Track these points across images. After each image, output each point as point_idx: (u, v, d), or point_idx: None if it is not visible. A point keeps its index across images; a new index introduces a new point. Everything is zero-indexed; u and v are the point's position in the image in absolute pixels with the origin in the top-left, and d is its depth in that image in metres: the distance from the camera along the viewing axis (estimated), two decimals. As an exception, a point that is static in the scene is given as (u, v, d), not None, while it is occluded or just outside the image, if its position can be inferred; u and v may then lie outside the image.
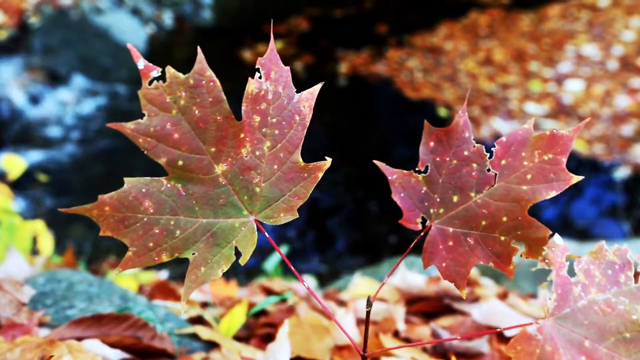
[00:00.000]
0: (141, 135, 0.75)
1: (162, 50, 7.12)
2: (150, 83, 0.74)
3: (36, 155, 5.35)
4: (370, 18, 7.78)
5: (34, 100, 6.04)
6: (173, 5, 7.84)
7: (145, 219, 0.77)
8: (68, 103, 6.05)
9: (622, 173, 5.13)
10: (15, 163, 2.78)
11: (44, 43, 6.70)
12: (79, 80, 6.34)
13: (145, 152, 0.75)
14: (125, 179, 0.76)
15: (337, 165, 5.00)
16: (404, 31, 7.39)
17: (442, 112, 5.94)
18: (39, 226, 2.40)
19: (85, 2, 7.13)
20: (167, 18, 7.70)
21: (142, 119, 0.75)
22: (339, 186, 5.10)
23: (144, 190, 0.77)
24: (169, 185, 0.78)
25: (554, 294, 0.79)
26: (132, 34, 6.99)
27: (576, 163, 5.13)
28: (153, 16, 7.61)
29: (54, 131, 5.73)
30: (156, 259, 0.77)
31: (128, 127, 0.74)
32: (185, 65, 0.76)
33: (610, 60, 6.64)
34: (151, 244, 0.77)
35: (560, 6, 7.69)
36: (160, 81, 0.74)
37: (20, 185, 4.39)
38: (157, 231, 0.77)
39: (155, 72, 0.74)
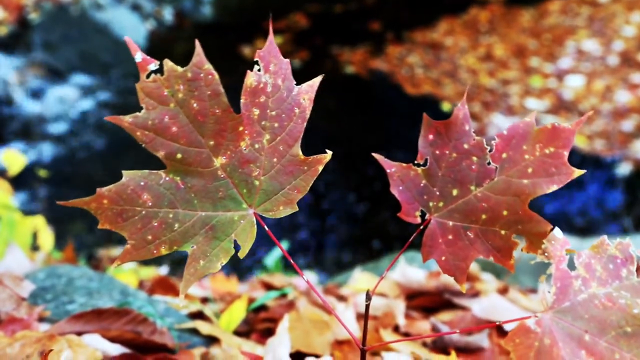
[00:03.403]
0: (139, 129, 0.75)
1: (162, 46, 7.11)
2: (148, 76, 0.74)
3: (36, 151, 5.35)
4: (371, 14, 7.77)
5: (34, 96, 6.04)
6: (173, 1, 7.83)
7: (143, 212, 0.77)
8: (68, 99, 6.04)
9: (622, 169, 5.12)
10: (15, 159, 2.78)
11: (44, 39, 6.69)
12: (79, 76, 6.33)
13: (143, 145, 0.75)
14: (124, 172, 0.76)
15: (338, 159, 4.99)
16: (404, 27, 7.38)
17: (446, 106, 5.93)
18: (39, 222, 2.40)
19: (85, -2, 7.11)
20: (167, 14, 7.68)
21: (140, 112, 0.75)
22: (341, 181, 5.10)
23: (142, 183, 0.77)
24: (167, 179, 0.78)
25: (553, 288, 0.79)
26: (132, 29, 6.98)
27: (577, 159, 5.13)
28: (153, 12, 7.59)
29: (54, 127, 5.72)
30: (155, 252, 0.77)
31: (126, 120, 0.74)
32: (185, 61, 0.76)
33: (610, 56, 6.63)
34: (150, 237, 0.77)
35: (560, 2, 7.68)
36: (158, 74, 0.74)
37: (21, 181, 4.39)
38: (155, 224, 0.77)
39: (153, 65, 0.74)
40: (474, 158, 0.82)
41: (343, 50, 6.96)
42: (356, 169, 5.21)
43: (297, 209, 0.80)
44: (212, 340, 1.35)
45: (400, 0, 8.26)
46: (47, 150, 5.42)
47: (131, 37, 0.74)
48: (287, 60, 0.78)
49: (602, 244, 0.82)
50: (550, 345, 0.77)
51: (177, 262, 3.55)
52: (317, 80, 0.80)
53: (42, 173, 4.70)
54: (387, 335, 1.41)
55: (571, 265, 0.81)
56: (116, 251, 3.78)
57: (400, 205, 0.85)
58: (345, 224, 4.85)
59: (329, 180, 5.01)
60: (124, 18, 7.12)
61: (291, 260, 0.79)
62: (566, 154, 0.78)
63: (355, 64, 6.75)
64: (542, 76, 6.40)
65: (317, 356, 1.31)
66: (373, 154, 0.85)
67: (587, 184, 5.04)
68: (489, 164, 0.81)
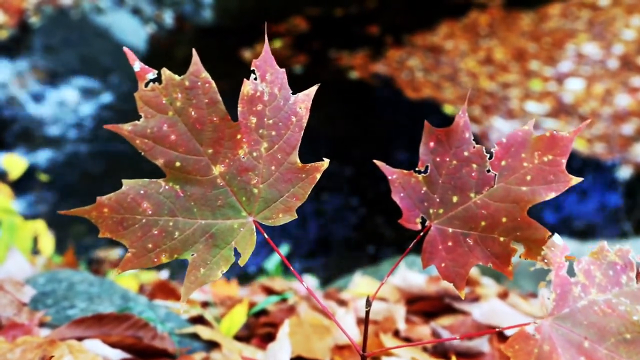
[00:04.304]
0: (138, 137, 0.75)
1: (163, 49, 7.12)
2: (146, 85, 0.75)
3: (37, 155, 5.35)
4: (371, 17, 7.78)
5: (35, 100, 6.05)
6: (173, 4, 7.85)
7: (143, 221, 0.77)
8: (69, 103, 6.05)
9: (622, 172, 5.13)
10: (16, 163, 2.78)
11: (45, 43, 6.71)
12: (79, 80, 6.34)
13: (142, 153, 0.76)
14: (124, 181, 0.77)
15: (339, 164, 5.00)
16: (405, 30, 7.39)
17: (448, 109, 5.93)
18: (39, 226, 2.40)
19: (86, 2, 7.13)
20: (168, 17, 7.70)
21: (139, 120, 0.75)
22: (341, 186, 5.10)
23: (142, 191, 0.77)
24: (167, 187, 0.78)
25: (552, 294, 0.79)
26: (133, 33, 6.99)
27: (577, 162, 5.13)
28: (153, 16, 7.61)
29: (54, 131, 5.73)
30: (155, 260, 0.78)
31: (125, 128, 0.75)
32: (185, 65, 0.77)
33: (610, 59, 6.64)
34: (150, 245, 0.78)
35: (560, 5, 7.69)
36: (157, 83, 0.75)
37: (21, 185, 4.39)
38: (155, 232, 0.78)
39: (151, 74, 0.75)
40: (474, 165, 0.82)
41: (343, 55, 6.97)
42: (356, 173, 5.22)
43: (296, 217, 0.80)
44: (212, 345, 1.36)
45: (401, 3, 8.27)
46: (47, 154, 5.42)
47: (131, 41, 0.74)
48: (283, 69, 0.79)
49: (601, 250, 0.82)
50: (550, 351, 0.77)
51: (179, 265, 3.55)
52: (313, 90, 0.80)
53: (43, 177, 4.70)
54: (387, 340, 1.41)
55: (571, 271, 0.81)
56: (114, 253, 3.78)
57: (401, 212, 0.85)
58: (346, 227, 4.85)
59: (328, 184, 5.01)
60: (124, 22, 7.13)
61: (291, 268, 0.79)
62: (564, 161, 0.79)
63: (357, 68, 6.76)
64: (542, 80, 6.41)
65: (317, 361, 1.31)
66: (374, 161, 0.86)
67: (587, 187, 5.04)
68: (488, 171, 0.82)
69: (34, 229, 2.36)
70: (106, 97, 6.19)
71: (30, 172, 4.70)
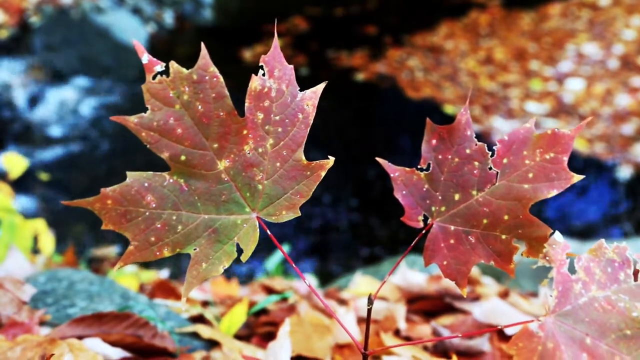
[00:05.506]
0: (144, 129, 0.75)
1: (163, 49, 7.12)
2: (154, 78, 0.74)
3: (37, 154, 5.35)
4: (371, 17, 7.78)
5: (35, 99, 6.05)
6: (174, 4, 7.84)
7: (147, 214, 0.77)
8: (69, 102, 6.05)
9: (622, 172, 5.13)
10: (16, 162, 2.78)
11: (45, 42, 6.70)
12: (79, 80, 6.34)
13: (148, 146, 0.76)
14: (128, 173, 0.77)
15: (340, 163, 4.99)
16: (405, 30, 7.39)
17: (449, 109, 5.93)
18: (40, 225, 2.40)
19: (86, 1, 7.13)
20: (168, 17, 7.69)
21: (145, 113, 0.75)
22: (342, 184, 5.10)
23: (146, 184, 0.77)
24: (171, 180, 0.78)
25: (554, 291, 0.79)
26: (133, 33, 6.99)
27: (577, 162, 5.13)
28: (154, 15, 7.61)
29: (55, 130, 5.73)
30: (158, 253, 0.78)
31: (131, 120, 0.75)
32: (186, 65, 0.76)
33: (610, 59, 6.64)
34: (153, 239, 0.77)
35: (561, 5, 7.69)
36: (164, 76, 0.75)
37: (22, 184, 4.39)
38: (159, 226, 0.78)
39: (159, 66, 0.75)
40: (476, 163, 0.82)
41: (343, 55, 6.97)
42: (357, 172, 5.21)
43: (300, 214, 0.80)
44: (212, 344, 1.35)
45: (401, 4, 8.27)
46: (48, 154, 5.42)
47: (131, 41, 0.74)
48: (291, 66, 0.79)
49: (600, 247, 0.83)
50: (553, 348, 0.77)
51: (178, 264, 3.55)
52: (320, 87, 0.80)
53: (43, 176, 4.70)
54: (388, 339, 1.41)
55: (572, 269, 0.82)
56: (111, 250, 3.78)
57: (403, 209, 0.85)
58: (347, 226, 4.85)
59: (329, 184, 5.01)
60: (124, 21, 7.13)
61: (293, 265, 0.79)
62: (566, 159, 0.79)
63: (361, 69, 6.75)
64: (542, 79, 6.41)
65: (318, 360, 1.31)
66: (377, 159, 0.85)
67: (587, 187, 5.04)
68: (490, 169, 0.82)
69: (34, 228, 2.36)
70: (106, 97, 6.19)
71: (31, 172, 4.70)
